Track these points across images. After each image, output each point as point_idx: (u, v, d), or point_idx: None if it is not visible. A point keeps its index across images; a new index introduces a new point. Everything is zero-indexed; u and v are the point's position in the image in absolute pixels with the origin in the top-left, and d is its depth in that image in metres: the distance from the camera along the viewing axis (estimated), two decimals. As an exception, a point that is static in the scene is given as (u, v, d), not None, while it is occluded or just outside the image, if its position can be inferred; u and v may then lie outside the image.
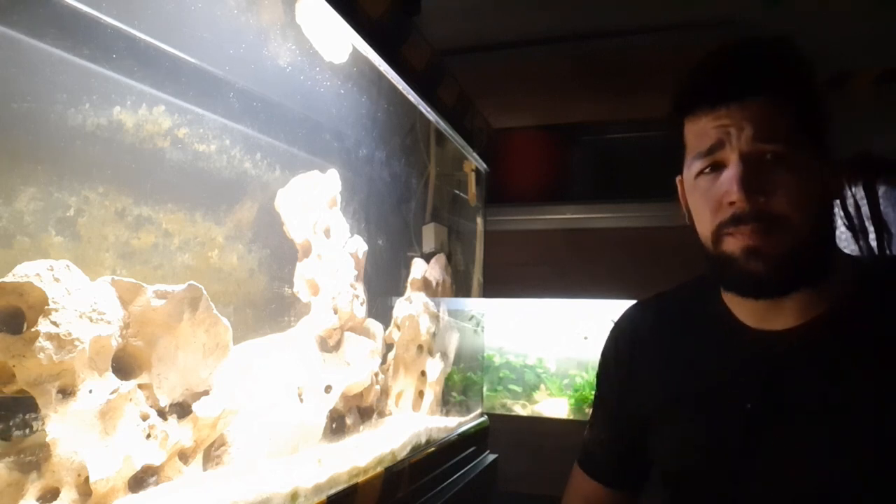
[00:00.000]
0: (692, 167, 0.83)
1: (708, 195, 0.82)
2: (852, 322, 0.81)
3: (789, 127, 0.77)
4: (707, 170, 0.82)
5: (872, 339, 0.79)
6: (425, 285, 1.40)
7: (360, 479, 0.93)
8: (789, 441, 0.81)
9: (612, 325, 1.04)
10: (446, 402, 1.52)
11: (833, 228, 0.85)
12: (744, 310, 0.87)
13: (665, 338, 0.96)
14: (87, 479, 0.58)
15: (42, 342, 0.55)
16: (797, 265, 0.78)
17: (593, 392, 2.06)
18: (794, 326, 0.83)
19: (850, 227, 0.85)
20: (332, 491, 0.86)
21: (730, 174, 0.78)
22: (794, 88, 0.79)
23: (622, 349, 1.01)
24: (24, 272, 0.55)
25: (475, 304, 1.86)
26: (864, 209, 0.88)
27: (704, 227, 0.83)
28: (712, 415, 0.87)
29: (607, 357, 1.04)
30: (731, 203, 0.78)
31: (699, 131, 0.81)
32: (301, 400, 0.93)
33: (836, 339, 0.81)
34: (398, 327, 1.28)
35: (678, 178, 0.90)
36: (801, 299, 0.82)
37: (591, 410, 1.07)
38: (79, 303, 0.59)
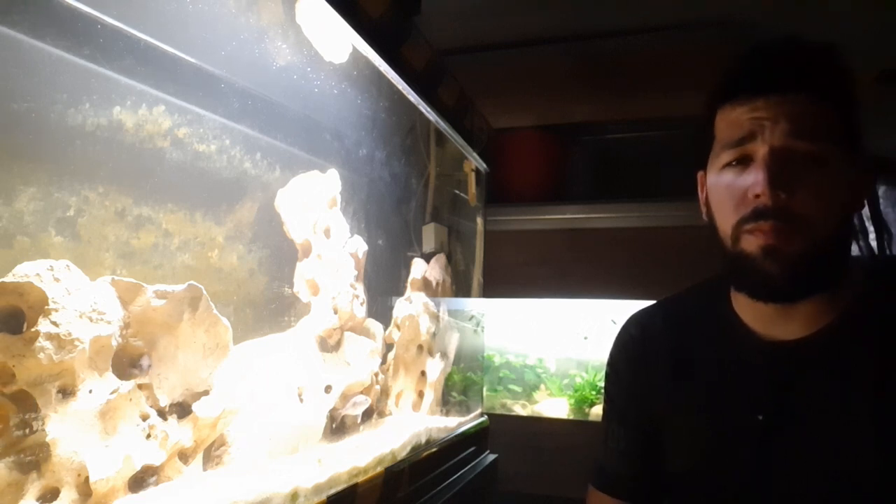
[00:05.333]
0: (719, 158, 0.82)
1: (732, 188, 0.80)
2: (862, 331, 0.80)
3: (825, 129, 0.75)
4: (734, 162, 0.80)
5: (883, 347, 0.78)
6: (425, 285, 1.40)
7: (360, 479, 0.93)
8: (801, 453, 0.80)
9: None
10: (446, 402, 1.52)
11: (851, 237, 0.84)
12: (753, 315, 0.86)
13: (674, 343, 0.94)
14: (87, 479, 0.58)
15: (42, 342, 0.55)
16: (813, 270, 0.77)
17: (593, 392, 2.06)
18: (804, 336, 0.82)
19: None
20: (332, 491, 0.86)
21: (757, 167, 0.77)
22: (836, 92, 0.77)
23: (633, 354, 0.98)
24: (24, 272, 0.55)
25: (475, 304, 1.85)
26: (864, 209, 0.88)
27: (725, 221, 0.82)
28: (722, 426, 0.86)
29: (617, 362, 1.01)
30: (756, 196, 0.76)
31: (733, 121, 0.80)
32: (301, 400, 0.93)
33: (846, 350, 0.80)
34: (398, 327, 1.28)
35: (699, 173, 0.89)
36: (812, 306, 0.81)
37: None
38: (79, 303, 0.59)
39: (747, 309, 0.87)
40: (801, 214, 0.75)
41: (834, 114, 0.76)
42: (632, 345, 0.99)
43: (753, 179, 0.77)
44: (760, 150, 0.77)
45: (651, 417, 0.95)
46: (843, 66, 0.80)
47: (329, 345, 1.04)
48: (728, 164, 0.81)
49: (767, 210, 0.76)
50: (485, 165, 1.87)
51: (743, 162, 0.79)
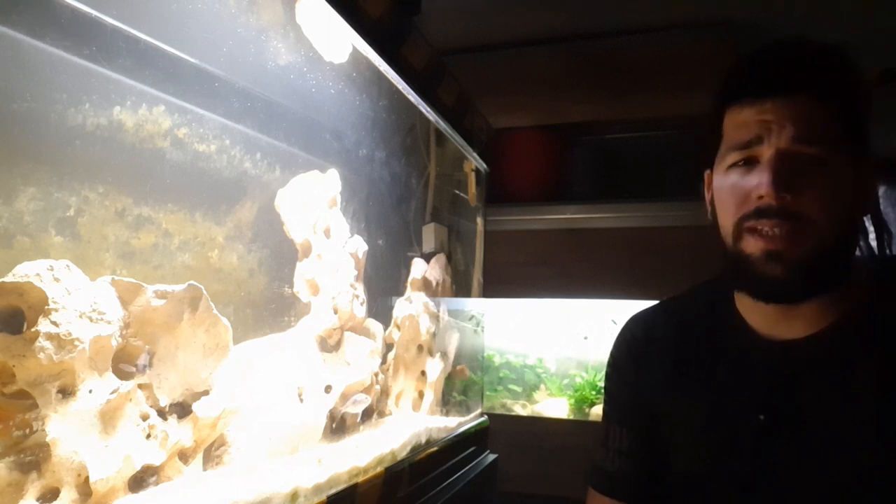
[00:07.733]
0: (726, 158, 0.82)
1: (737, 188, 0.80)
2: (865, 331, 0.80)
3: (832, 131, 0.75)
4: (740, 162, 0.80)
5: (885, 348, 0.78)
6: (425, 285, 1.40)
7: (360, 479, 0.93)
8: (801, 453, 0.80)
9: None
10: (446, 402, 1.52)
11: (858, 239, 0.83)
12: (756, 315, 0.86)
13: (676, 343, 0.94)
14: (87, 478, 0.58)
15: (42, 342, 0.55)
16: (816, 272, 0.77)
17: (593, 392, 2.06)
18: (806, 336, 0.82)
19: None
20: (332, 491, 0.86)
21: (763, 169, 0.77)
22: (843, 94, 0.77)
23: (635, 353, 0.98)
24: (24, 272, 0.55)
25: (475, 304, 1.85)
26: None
27: (727, 219, 0.82)
28: (724, 424, 0.86)
29: (619, 362, 1.00)
30: (760, 197, 0.77)
31: (740, 123, 0.80)
32: (301, 400, 0.93)
33: (848, 350, 0.80)
34: (398, 327, 1.28)
35: (707, 172, 0.89)
36: (816, 306, 0.81)
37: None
38: (79, 303, 0.59)
39: (750, 309, 0.87)
40: (805, 216, 0.75)
41: (841, 116, 0.76)
42: (634, 344, 0.99)
43: (758, 181, 0.77)
44: (767, 152, 0.77)
45: (653, 417, 0.95)
46: (850, 67, 0.79)
47: (329, 345, 1.04)
48: (734, 165, 0.81)
49: (771, 209, 0.76)
50: (485, 165, 1.87)
51: (749, 163, 0.80)
